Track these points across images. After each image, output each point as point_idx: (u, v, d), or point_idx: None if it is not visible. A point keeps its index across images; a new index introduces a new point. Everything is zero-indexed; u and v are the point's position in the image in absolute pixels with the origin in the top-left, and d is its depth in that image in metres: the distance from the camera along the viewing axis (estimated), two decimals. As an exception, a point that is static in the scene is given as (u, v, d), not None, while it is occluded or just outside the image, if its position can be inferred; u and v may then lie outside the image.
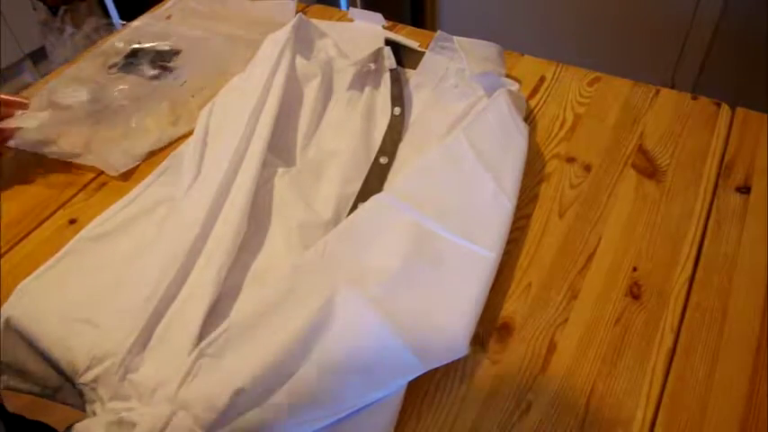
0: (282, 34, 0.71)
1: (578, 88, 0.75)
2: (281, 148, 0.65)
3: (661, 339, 0.51)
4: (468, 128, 0.60)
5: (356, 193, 0.62)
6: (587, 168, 0.65)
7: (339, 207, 0.60)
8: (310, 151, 0.66)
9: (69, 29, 0.92)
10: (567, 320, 0.53)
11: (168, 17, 0.89)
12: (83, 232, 0.59)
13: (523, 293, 0.55)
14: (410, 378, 0.47)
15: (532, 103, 0.73)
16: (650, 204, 0.61)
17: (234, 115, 0.64)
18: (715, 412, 0.46)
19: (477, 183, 0.57)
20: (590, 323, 0.52)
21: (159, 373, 0.47)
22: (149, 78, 0.76)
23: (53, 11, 1.63)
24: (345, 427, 0.45)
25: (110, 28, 0.88)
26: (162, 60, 0.80)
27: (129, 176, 0.67)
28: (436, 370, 0.48)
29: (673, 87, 0.74)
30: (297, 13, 0.84)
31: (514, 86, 0.68)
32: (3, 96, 0.64)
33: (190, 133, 0.68)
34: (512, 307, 0.54)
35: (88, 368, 0.49)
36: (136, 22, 0.88)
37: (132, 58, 0.80)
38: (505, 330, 0.52)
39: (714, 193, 0.62)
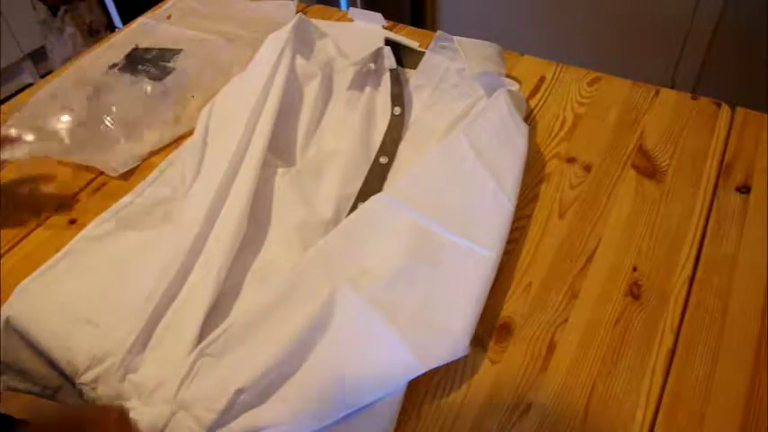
0: (282, 34, 0.71)
1: (578, 88, 0.75)
2: (281, 148, 0.65)
3: (661, 339, 0.51)
4: (468, 128, 0.60)
5: (356, 193, 0.62)
6: (587, 168, 0.65)
7: (339, 207, 0.60)
8: (310, 151, 0.66)
9: (69, 29, 0.92)
10: (567, 320, 0.53)
11: (168, 17, 0.89)
12: (83, 232, 0.59)
13: (523, 293, 0.55)
14: (410, 378, 0.47)
15: (532, 103, 0.73)
16: (650, 204, 0.61)
17: (234, 115, 0.64)
18: (715, 412, 0.46)
19: (477, 183, 0.57)
20: (590, 323, 0.52)
21: (159, 373, 0.47)
22: (149, 79, 0.76)
23: (53, 11, 1.63)
24: (345, 426, 0.45)
25: (110, 28, 0.88)
26: (162, 60, 0.80)
27: (129, 176, 0.67)
28: (436, 370, 0.47)
29: (673, 87, 0.74)
30: (297, 13, 0.84)
31: (514, 86, 0.68)
32: None
33: (190, 133, 0.68)
34: (512, 307, 0.54)
35: (88, 368, 0.49)
36: (136, 22, 0.89)
37: (132, 58, 0.80)
38: (505, 330, 0.52)
39: (714, 193, 0.62)
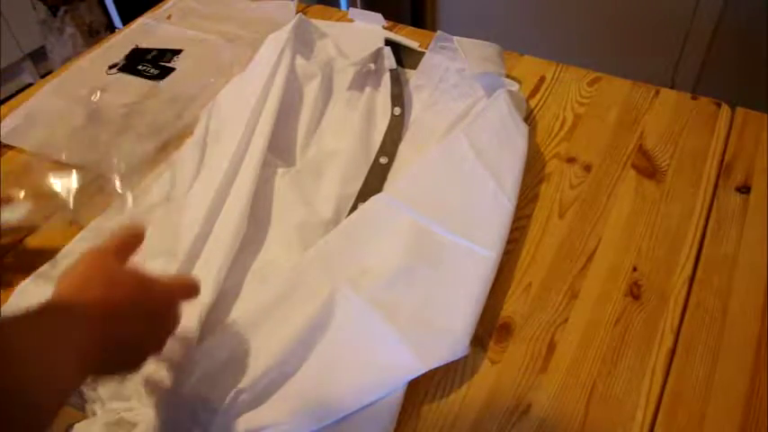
0: (282, 34, 0.71)
1: (578, 88, 0.75)
2: (281, 148, 0.65)
3: (661, 339, 0.51)
4: (468, 128, 0.60)
5: (356, 194, 0.62)
6: (587, 168, 0.65)
7: (339, 207, 0.60)
8: (310, 151, 0.66)
9: (69, 29, 0.92)
10: (567, 320, 0.53)
11: (168, 17, 0.89)
12: (83, 232, 0.59)
13: (523, 293, 0.55)
14: (410, 378, 0.47)
15: (532, 103, 0.73)
16: (650, 204, 0.61)
17: (234, 115, 0.64)
18: (715, 412, 0.46)
19: (477, 183, 0.57)
20: (590, 323, 0.52)
21: (160, 373, 0.47)
22: (149, 79, 0.76)
23: (53, 11, 1.63)
24: (345, 427, 0.45)
25: (110, 28, 0.88)
26: (162, 60, 0.80)
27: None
28: (436, 370, 0.47)
29: (673, 87, 0.74)
30: (297, 13, 0.84)
31: (514, 86, 0.68)
32: None
33: (190, 133, 0.68)
34: (512, 307, 0.54)
35: (88, 368, 0.49)
36: (136, 23, 0.89)
37: (132, 59, 0.80)
38: (505, 330, 0.52)
39: (714, 193, 0.62)
